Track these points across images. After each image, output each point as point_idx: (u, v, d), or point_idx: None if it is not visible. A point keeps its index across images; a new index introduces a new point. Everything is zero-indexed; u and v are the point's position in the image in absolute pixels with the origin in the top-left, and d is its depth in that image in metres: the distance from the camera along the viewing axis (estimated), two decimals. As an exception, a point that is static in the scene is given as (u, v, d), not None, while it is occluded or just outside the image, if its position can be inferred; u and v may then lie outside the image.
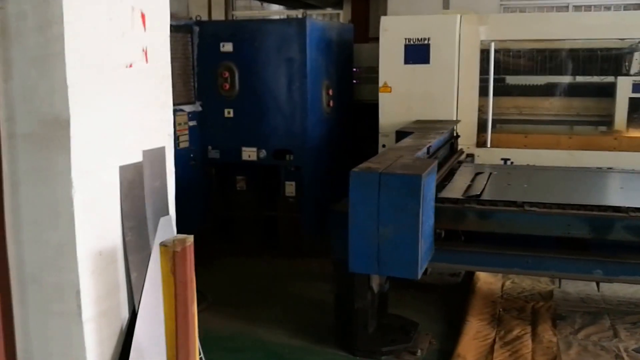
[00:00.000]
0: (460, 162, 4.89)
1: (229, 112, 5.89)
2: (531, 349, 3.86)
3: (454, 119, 5.72)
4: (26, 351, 2.23)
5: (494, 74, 5.71)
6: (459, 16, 5.67)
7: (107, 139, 2.23)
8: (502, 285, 4.97)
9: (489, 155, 5.69)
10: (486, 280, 5.02)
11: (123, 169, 2.31)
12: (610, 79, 5.97)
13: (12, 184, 2.14)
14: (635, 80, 6.01)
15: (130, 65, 2.38)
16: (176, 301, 2.07)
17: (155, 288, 2.40)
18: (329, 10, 11.73)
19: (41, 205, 2.11)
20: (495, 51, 5.65)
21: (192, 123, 5.82)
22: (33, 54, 2.08)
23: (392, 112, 5.81)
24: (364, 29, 9.54)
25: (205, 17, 8.42)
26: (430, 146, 3.88)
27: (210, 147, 5.99)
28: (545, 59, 6.00)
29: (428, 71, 5.67)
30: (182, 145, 5.65)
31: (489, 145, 5.79)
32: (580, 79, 6.12)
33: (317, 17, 9.21)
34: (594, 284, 4.87)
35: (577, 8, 9.47)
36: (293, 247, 5.81)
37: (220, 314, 4.44)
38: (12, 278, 2.17)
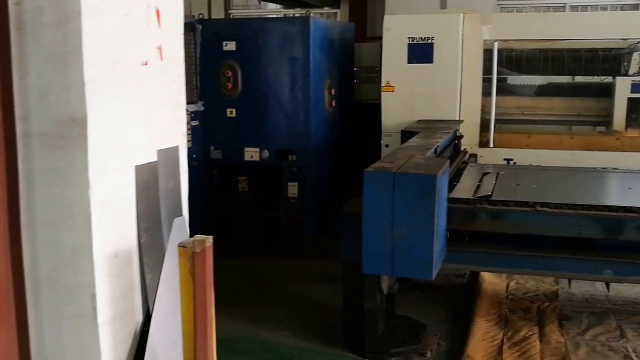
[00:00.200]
0: (465, 163, 4.87)
1: (231, 112, 5.85)
2: (539, 350, 3.85)
3: (457, 118, 5.70)
4: (40, 355, 2.18)
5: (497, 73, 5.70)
6: (462, 15, 5.66)
7: (123, 138, 2.19)
8: (507, 286, 4.96)
9: (492, 156, 5.68)
10: (491, 281, 5.01)
11: (139, 169, 2.27)
12: (611, 79, 5.97)
13: (28, 184, 2.09)
14: (634, 81, 6.02)
15: (146, 63, 2.34)
16: (195, 303, 2.03)
17: (170, 290, 2.36)
18: (326, 10, 11.70)
19: (57, 205, 2.07)
20: (498, 51, 5.63)
21: (194, 123, 5.78)
22: (49, 51, 2.04)
23: (394, 111, 5.78)
24: (362, 28, 9.52)
25: (205, 16, 8.36)
26: (437, 146, 3.86)
27: (212, 148, 5.94)
28: (548, 58, 5.99)
29: (431, 70, 5.65)
30: (184, 145, 5.60)
31: (491, 146, 5.77)
32: (581, 79, 6.13)
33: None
34: (598, 284, 4.89)
35: (574, 8, 9.50)
36: (295, 248, 5.78)
37: (223, 316, 4.32)
38: (26, 280, 2.13)
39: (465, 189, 3.79)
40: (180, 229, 2.48)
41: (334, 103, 6.18)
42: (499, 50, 5.65)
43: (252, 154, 5.86)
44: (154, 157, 2.38)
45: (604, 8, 9.58)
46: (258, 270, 5.43)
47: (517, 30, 5.77)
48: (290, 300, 4.77)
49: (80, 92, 2.02)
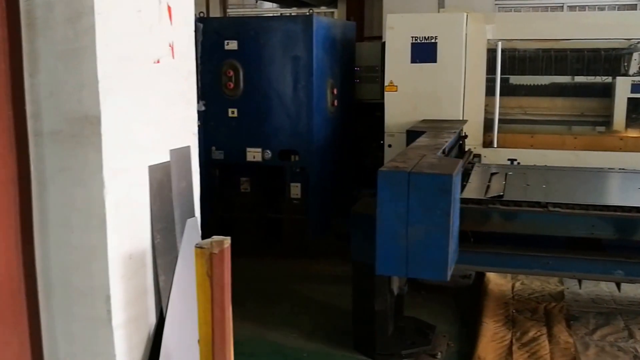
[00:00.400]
0: (471, 163, 4.85)
1: (233, 112, 5.78)
2: (549, 350, 3.82)
3: (460, 118, 5.67)
4: (53, 359, 2.13)
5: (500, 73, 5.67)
6: (465, 15, 5.63)
7: (136, 137, 2.14)
8: (512, 287, 4.93)
9: (496, 156, 5.65)
10: (496, 281, 4.98)
11: (152, 169, 2.22)
12: (617, 78, 5.96)
13: (39, 184, 2.04)
14: (634, 81, 6.01)
15: (158, 61, 2.30)
16: (213, 305, 1.98)
17: (183, 291, 2.32)
18: (323, 9, 11.67)
19: (70, 206, 2.02)
20: (501, 50, 5.61)
21: (195, 123, 5.71)
22: (61, 47, 1.99)
23: (397, 111, 5.73)
24: (360, 28, 9.49)
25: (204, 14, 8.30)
26: (446, 146, 3.83)
27: (214, 148, 5.87)
28: (550, 58, 5.98)
29: (435, 70, 5.60)
30: (186, 145, 5.54)
31: (495, 146, 5.74)
32: (582, 79, 6.11)
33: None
34: (602, 284, 4.87)
35: (572, 8, 9.51)
36: (298, 249, 5.73)
37: (229, 317, 4.34)
38: (39, 283, 2.07)
39: (475, 189, 3.76)
40: (193, 229, 2.44)
41: (335, 103, 6.14)
42: (502, 50, 5.62)
43: (254, 154, 5.80)
44: (165, 157, 2.33)
45: (601, 8, 9.60)
46: (262, 271, 5.37)
47: (520, 30, 5.74)
48: (295, 301, 4.72)
49: (93, 90, 1.97)
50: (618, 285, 3.89)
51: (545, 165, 4.91)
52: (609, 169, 4.81)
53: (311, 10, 5.81)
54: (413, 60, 5.62)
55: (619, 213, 3.26)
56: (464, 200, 3.27)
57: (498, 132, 5.73)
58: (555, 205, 3.33)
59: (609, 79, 5.96)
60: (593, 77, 6.05)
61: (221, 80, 5.74)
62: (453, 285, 4.88)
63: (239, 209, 5.95)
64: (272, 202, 5.98)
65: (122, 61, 2.06)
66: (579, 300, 4.70)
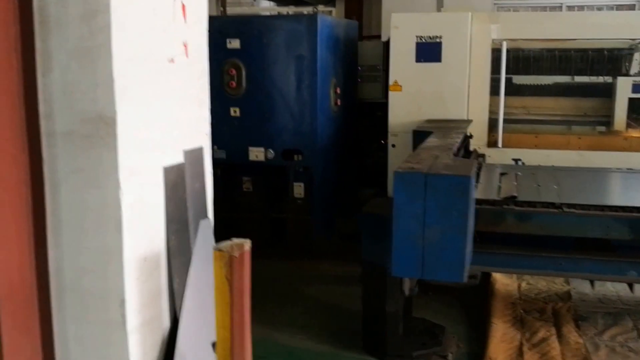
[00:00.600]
0: (479, 164, 4.81)
1: (235, 111, 5.74)
2: (560, 351, 3.80)
3: (465, 118, 5.64)
4: (66, 363, 2.08)
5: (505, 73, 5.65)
6: (469, 14, 5.60)
7: (151, 138, 2.10)
8: (519, 287, 4.91)
9: (500, 156, 5.62)
10: (503, 282, 4.95)
11: (167, 170, 2.18)
12: (618, 78, 5.95)
13: (52, 186, 1.99)
14: (635, 81, 6.00)
15: (172, 60, 2.26)
16: (232, 309, 1.94)
17: (197, 294, 2.28)
18: (321, 8, 11.62)
19: (84, 208, 1.97)
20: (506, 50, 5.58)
21: (198, 122, 5.66)
22: (75, 45, 1.94)
23: (402, 111, 5.70)
24: (359, 26, 9.45)
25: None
26: (456, 146, 3.79)
27: (215, 147, 5.77)
28: (555, 58, 5.96)
29: (439, 70, 5.57)
30: (188, 145, 5.49)
31: (500, 146, 5.72)
32: (585, 79, 6.10)
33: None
34: (609, 284, 4.85)
35: (570, 8, 9.50)
36: (302, 249, 5.69)
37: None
38: (51, 286, 2.03)
39: (487, 190, 3.73)
40: (206, 231, 2.40)
41: (339, 102, 6.10)
42: (506, 50, 5.59)
43: (256, 153, 5.75)
44: (179, 158, 2.30)
45: (599, 8, 9.59)
46: (267, 272, 5.32)
47: (525, 30, 5.71)
48: (303, 302, 4.68)
49: (108, 90, 1.92)
50: (631, 286, 3.87)
51: (552, 166, 4.89)
52: (617, 169, 4.79)
53: (315, 9, 5.77)
54: (418, 60, 5.59)
55: (635, 214, 3.23)
56: (477, 201, 3.24)
57: (503, 132, 5.71)
58: (570, 206, 3.30)
59: (610, 79, 5.95)
60: (595, 77, 6.04)
61: (223, 79, 5.69)
62: (459, 285, 4.85)
63: (242, 209, 5.90)
64: (275, 202, 5.93)
65: (137, 60, 2.02)
66: (585, 300, 4.68)
